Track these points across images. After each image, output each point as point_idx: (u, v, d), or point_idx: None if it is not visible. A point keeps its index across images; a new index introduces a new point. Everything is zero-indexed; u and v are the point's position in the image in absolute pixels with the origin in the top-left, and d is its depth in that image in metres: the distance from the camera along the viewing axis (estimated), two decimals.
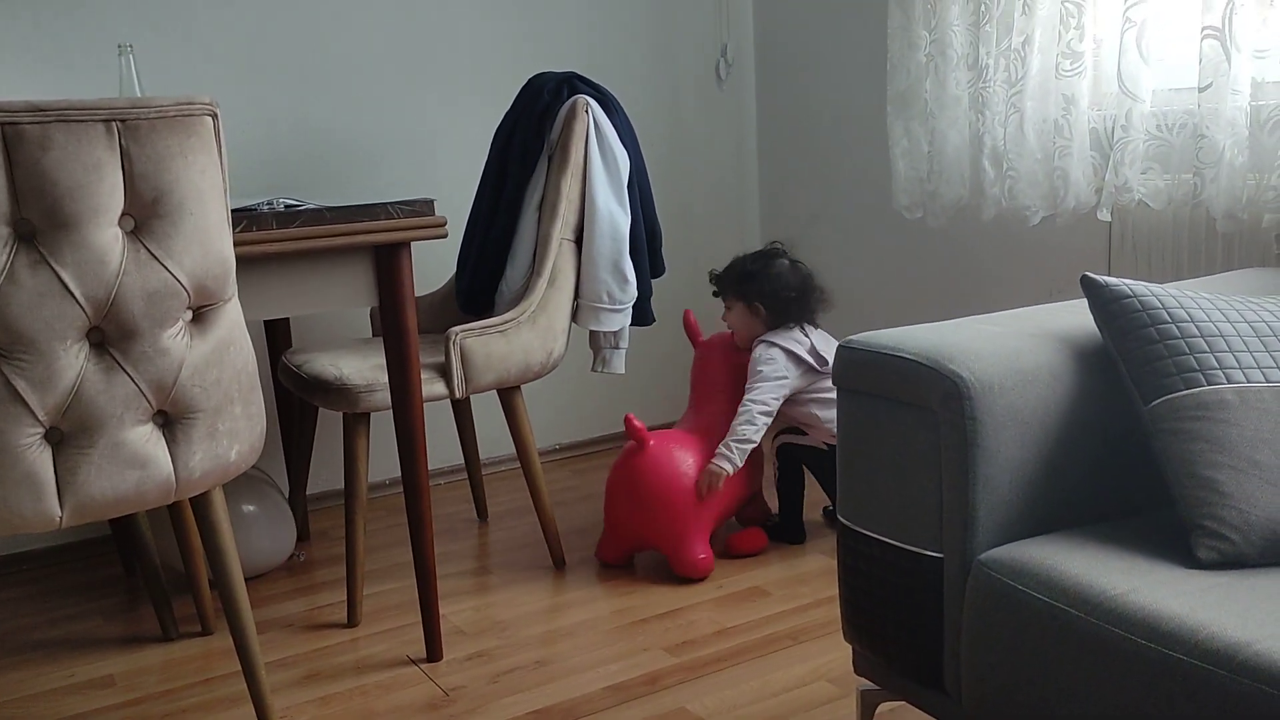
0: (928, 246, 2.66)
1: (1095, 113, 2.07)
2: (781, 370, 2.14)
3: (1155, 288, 1.26)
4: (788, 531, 2.27)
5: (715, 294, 2.29)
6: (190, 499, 1.55)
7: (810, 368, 2.16)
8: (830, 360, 2.14)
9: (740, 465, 2.11)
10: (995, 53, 2.15)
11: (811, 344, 2.18)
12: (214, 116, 1.40)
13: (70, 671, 1.85)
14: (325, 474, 2.64)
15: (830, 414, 2.16)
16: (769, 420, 2.13)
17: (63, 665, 1.88)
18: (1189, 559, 1.12)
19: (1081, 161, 2.06)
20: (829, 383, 2.17)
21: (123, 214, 1.34)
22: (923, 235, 2.65)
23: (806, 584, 2.07)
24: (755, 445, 2.12)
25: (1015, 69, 2.11)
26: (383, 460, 2.68)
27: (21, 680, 1.83)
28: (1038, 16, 2.05)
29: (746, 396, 2.14)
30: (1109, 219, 2.05)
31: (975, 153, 2.24)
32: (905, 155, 2.40)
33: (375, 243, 1.66)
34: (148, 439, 1.43)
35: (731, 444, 2.10)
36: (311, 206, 1.64)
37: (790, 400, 2.18)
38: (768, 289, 2.20)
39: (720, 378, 2.24)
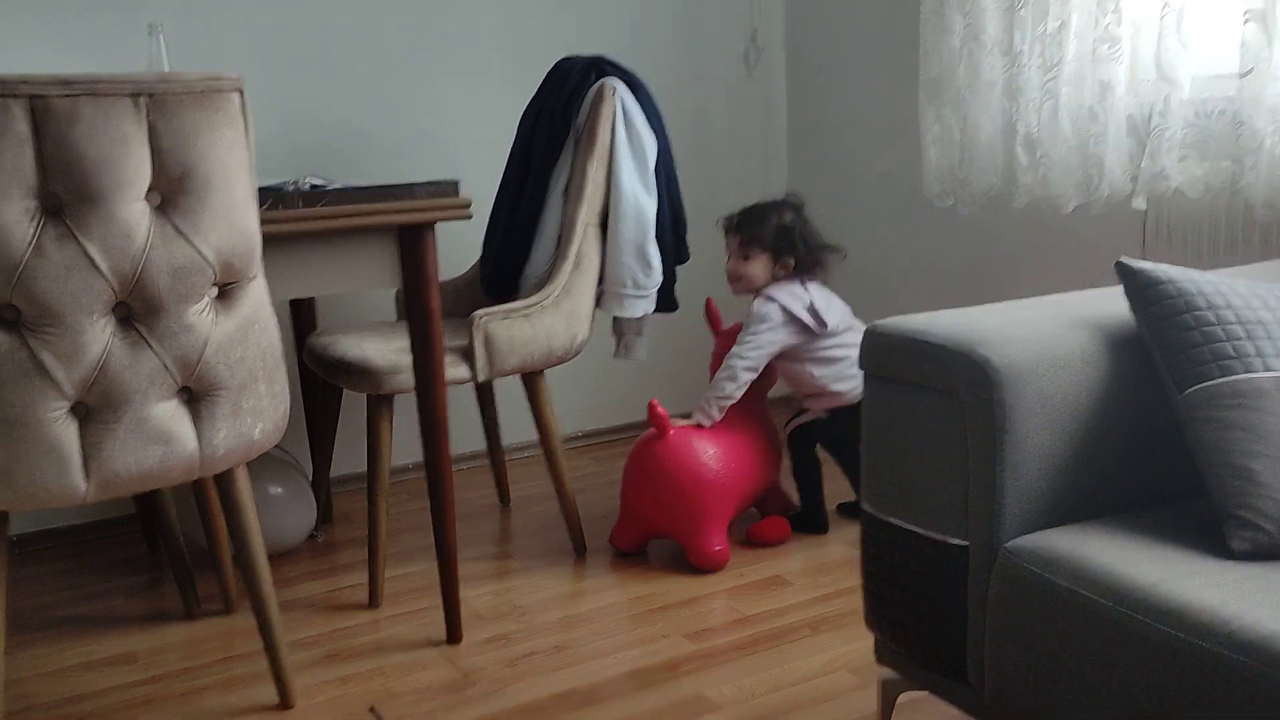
0: (958, 235, 2.62)
1: (1132, 99, 2.03)
2: (778, 329, 2.12)
3: (1192, 273, 1.23)
4: (809, 521, 2.25)
5: (742, 242, 2.19)
6: (214, 477, 1.56)
7: (805, 327, 2.12)
8: (828, 320, 2.11)
9: (718, 419, 2.12)
10: (1030, 38, 2.11)
11: (811, 300, 2.13)
12: (240, 93, 1.40)
13: (93, 648, 1.87)
14: (349, 456, 2.65)
15: (826, 371, 2.14)
16: (752, 377, 2.12)
17: (86, 642, 1.89)
18: (1222, 549, 1.09)
19: (1117, 149, 2.02)
20: (827, 342, 2.14)
21: (149, 189, 1.34)
22: (953, 223, 2.62)
23: (827, 573, 2.05)
24: (734, 401, 2.12)
25: (1051, 54, 2.07)
26: (406, 443, 2.68)
27: (45, 656, 1.85)
28: (1074, 1, 2.01)
29: (734, 350, 2.13)
30: (1144, 207, 2.01)
31: (1008, 140, 2.20)
32: (936, 142, 2.36)
33: (400, 223, 1.65)
34: (172, 415, 1.43)
35: (711, 399, 2.12)
36: (337, 186, 1.64)
37: (787, 357, 2.16)
38: (813, 244, 2.16)
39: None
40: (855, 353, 2.15)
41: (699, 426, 2.12)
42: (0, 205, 1.25)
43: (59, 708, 1.67)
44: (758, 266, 2.18)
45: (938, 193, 2.40)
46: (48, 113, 1.25)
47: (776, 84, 3.11)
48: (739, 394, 2.12)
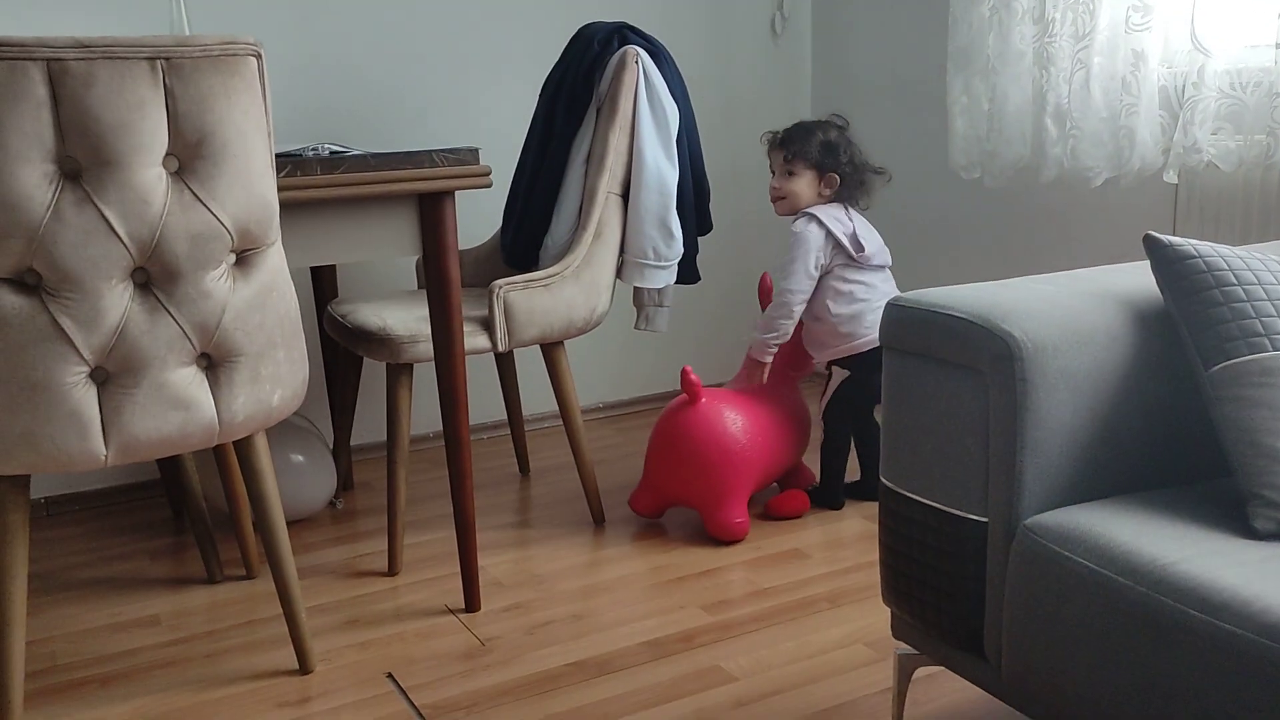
0: (984, 208, 2.58)
1: (1165, 69, 1.98)
2: (817, 252, 2.10)
3: (1222, 248, 1.20)
4: (825, 497, 2.24)
5: (786, 158, 2.15)
6: (234, 443, 1.57)
7: (843, 251, 2.10)
8: (866, 247, 2.09)
9: (770, 360, 2.16)
10: (1062, 5, 2.06)
11: (853, 228, 2.12)
12: (258, 57, 1.39)
13: (117, 610, 1.90)
14: (369, 425, 2.67)
15: (841, 310, 2.11)
16: (804, 307, 2.13)
17: (110, 603, 1.92)
18: (1245, 529, 1.07)
19: (1149, 121, 1.97)
20: (852, 275, 2.11)
21: (167, 154, 1.34)
22: (979, 196, 2.58)
23: (846, 547, 2.05)
24: (788, 339, 2.15)
25: (1083, 23, 2.02)
26: (426, 412, 2.69)
27: (71, 616, 1.88)
28: None
29: (781, 283, 2.12)
30: (1176, 181, 1.97)
31: (1038, 111, 2.16)
32: (964, 113, 2.32)
33: (419, 191, 1.64)
34: (191, 381, 1.44)
35: (767, 339, 2.14)
36: (356, 153, 1.63)
37: None
38: (858, 161, 2.15)
39: (784, 343, 2.19)
40: (879, 303, 2.13)
41: (754, 367, 2.15)
42: (20, 168, 1.26)
43: (84, 667, 1.70)
44: (802, 184, 2.15)
45: (964, 164, 2.36)
46: (65, 75, 1.25)
47: (802, 53, 3.06)
48: (792, 329, 2.13)
